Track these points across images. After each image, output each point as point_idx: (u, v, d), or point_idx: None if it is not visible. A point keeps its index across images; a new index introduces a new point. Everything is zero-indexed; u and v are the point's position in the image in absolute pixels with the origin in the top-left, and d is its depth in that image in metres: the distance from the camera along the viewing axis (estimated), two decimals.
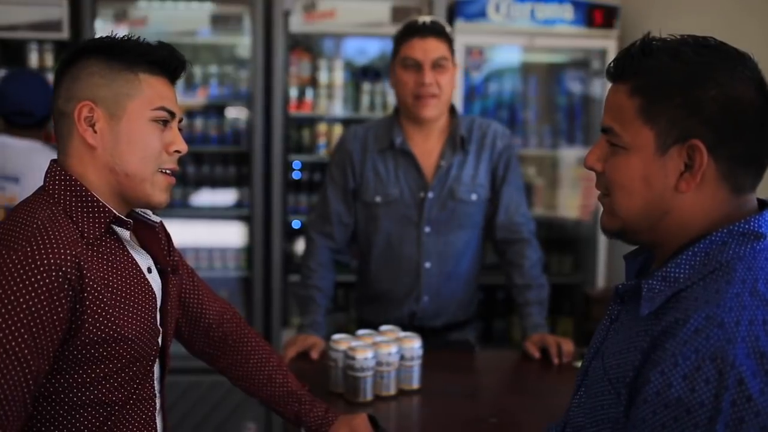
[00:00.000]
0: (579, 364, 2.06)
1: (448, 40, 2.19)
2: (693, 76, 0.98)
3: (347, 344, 1.85)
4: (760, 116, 0.98)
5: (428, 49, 2.14)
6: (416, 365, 1.90)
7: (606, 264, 3.72)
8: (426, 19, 2.20)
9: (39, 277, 1.13)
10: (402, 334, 1.97)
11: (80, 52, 1.28)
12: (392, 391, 1.86)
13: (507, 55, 3.96)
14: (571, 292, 3.93)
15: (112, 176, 1.27)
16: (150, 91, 1.28)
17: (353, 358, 1.80)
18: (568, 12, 3.59)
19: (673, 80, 0.99)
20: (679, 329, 0.94)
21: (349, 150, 2.28)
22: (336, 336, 1.92)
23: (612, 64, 1.06)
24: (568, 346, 2.13)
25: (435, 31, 2.16)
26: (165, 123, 1.30)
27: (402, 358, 1.88)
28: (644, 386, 0.95)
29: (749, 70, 0.99)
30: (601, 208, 1.12)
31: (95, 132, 1.25)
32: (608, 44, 3.60)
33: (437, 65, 2.15)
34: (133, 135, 1.26)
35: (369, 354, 1.80)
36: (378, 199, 2.26)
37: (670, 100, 0.99)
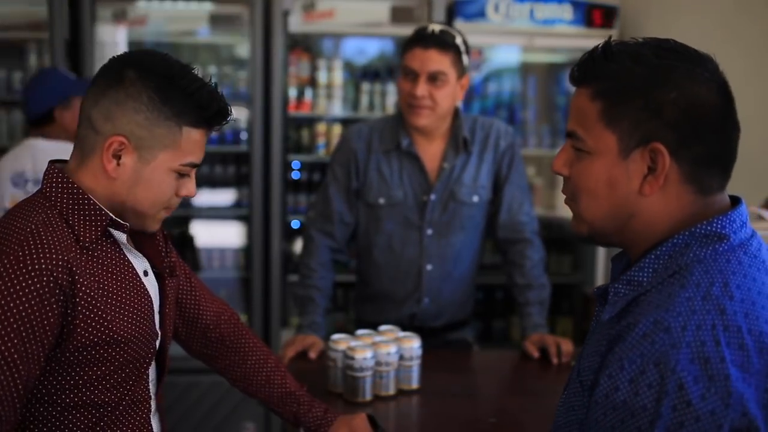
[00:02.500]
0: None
1: (456, 53, 2.13)
2: (653, 78, 0.98)
3: (346, 344, 1.85)
4: (720, 117, 0.99)
5: (426, 60, 2.10)
6: (415, 365, 1.90)
7: (605, 264, 3.72)
8: (436, 27, 2.14)
9: (29, 281, 1.12)
10: (401, 334, 1.97)
11: (134, 68, 1.22)
12: (391, 391, 1.86)
13: (506, 55, 3.96)
14: (570, 292, 3.94)
15: (119, 204, 1.27)
16: (186, 146, 1.25)
17: (352, 358, 1.79)
18: (567, 12, 3.59)
19: (633, 83, 0.99)
20: (628, 333, 0.95)
21: (353, 148, 2.26)
22: (335, 336, 1.92)
23: (575, 69, 1.06)
24: (567, 346, 2.13)
25: (440, 42, 2.11)
26: (185, 175, 1.29)
27: (401, 358, 1.88)
28: (595, 389, 0.96)
29: (709, 72, 0.99)
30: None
31: (118, 165, 1.23)
32: None
33: (433, 78, 2.11)
34: (153, 181, 1.25)
35: (368, 354, 1.80)
36: (381, 200, 2.25)
37: (631, 102, 0.99)
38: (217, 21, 3.72)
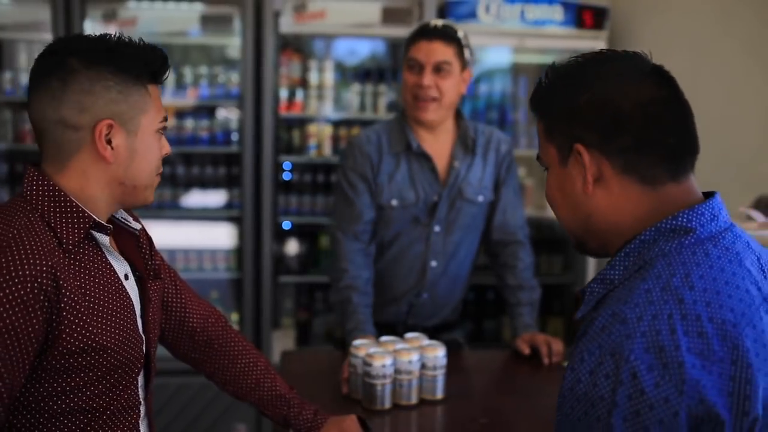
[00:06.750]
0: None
1: (458, 46, 2.19)
2: (569, 87, 1.06)
3: (365, 350, 1.82)
4: (642, 107, 1.01)
5: (431, 51, 2.15)
6: (440, 374, 1.85)
7: (595, 264, 3.73)
8: (438, 22, 2.22)
9: (14, 288, 1.11)
10: (426, 342, 1.92)
11: (75, 55, 1.21)
12: (413, 401, 1.82)
13: (497, 55, 3.97)
14: (561, 292, 3.95)
15: (119, 188, 1.27)
16: (156, 103, 1.29)
17: (370, 365, 1.77)
18: (557, 13, 3.60)
19: (555, 96, 1.08)
20: (590, 327, 0.98)
21: (368, 153, 2.26)
22: (356, 342, 1.90)
23: (530, 99, 1.15)
24: (557, 345, 2.14)
25: (443, 34, 2.17)
26: (164, 131, 1.32)
27: (424, 366, 1.84)
28: (563, 382, 1.00)
29: (633, 65, 1.05)
30: None
31: (112, 148, 1.24)
32: (598, 45, 3.61)
33: (439, 69, 2.15)
34: (145, 149, 1.28)
35: (387, 361, 1.77)
36: (394, 202, 2.26)
37: (556, 114, 1.08)
38: (207, 21, 3.71)
